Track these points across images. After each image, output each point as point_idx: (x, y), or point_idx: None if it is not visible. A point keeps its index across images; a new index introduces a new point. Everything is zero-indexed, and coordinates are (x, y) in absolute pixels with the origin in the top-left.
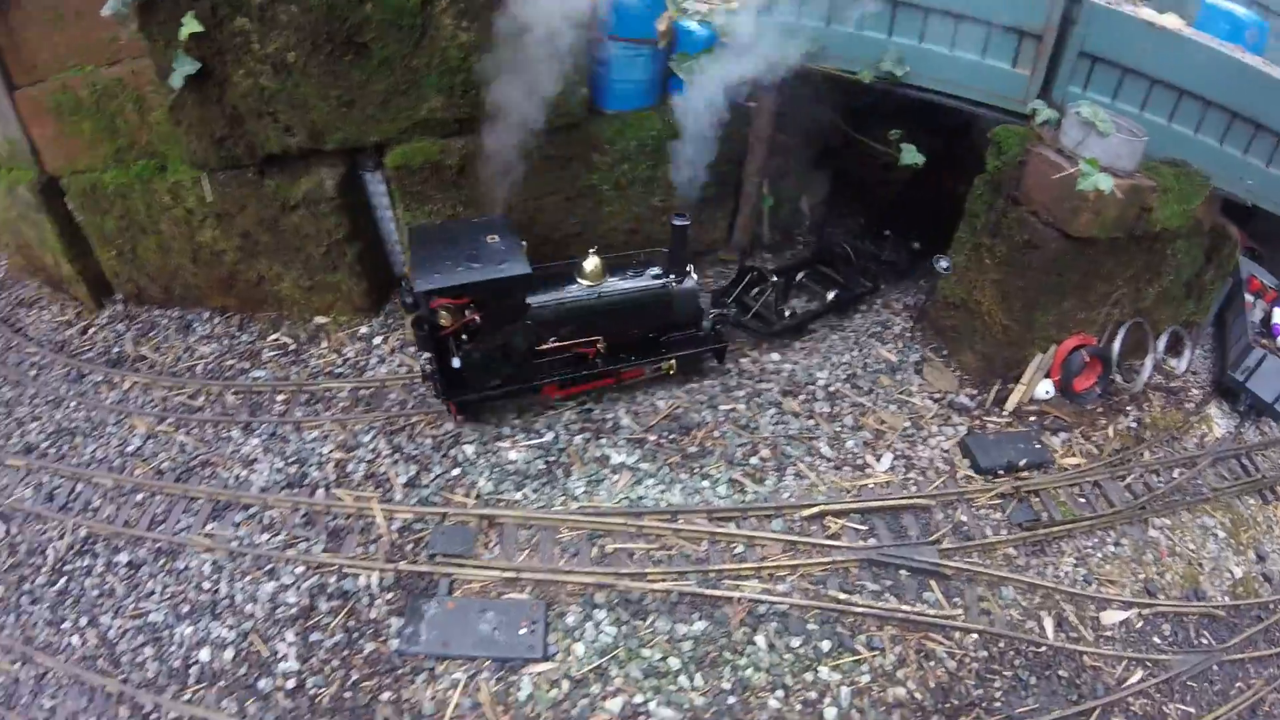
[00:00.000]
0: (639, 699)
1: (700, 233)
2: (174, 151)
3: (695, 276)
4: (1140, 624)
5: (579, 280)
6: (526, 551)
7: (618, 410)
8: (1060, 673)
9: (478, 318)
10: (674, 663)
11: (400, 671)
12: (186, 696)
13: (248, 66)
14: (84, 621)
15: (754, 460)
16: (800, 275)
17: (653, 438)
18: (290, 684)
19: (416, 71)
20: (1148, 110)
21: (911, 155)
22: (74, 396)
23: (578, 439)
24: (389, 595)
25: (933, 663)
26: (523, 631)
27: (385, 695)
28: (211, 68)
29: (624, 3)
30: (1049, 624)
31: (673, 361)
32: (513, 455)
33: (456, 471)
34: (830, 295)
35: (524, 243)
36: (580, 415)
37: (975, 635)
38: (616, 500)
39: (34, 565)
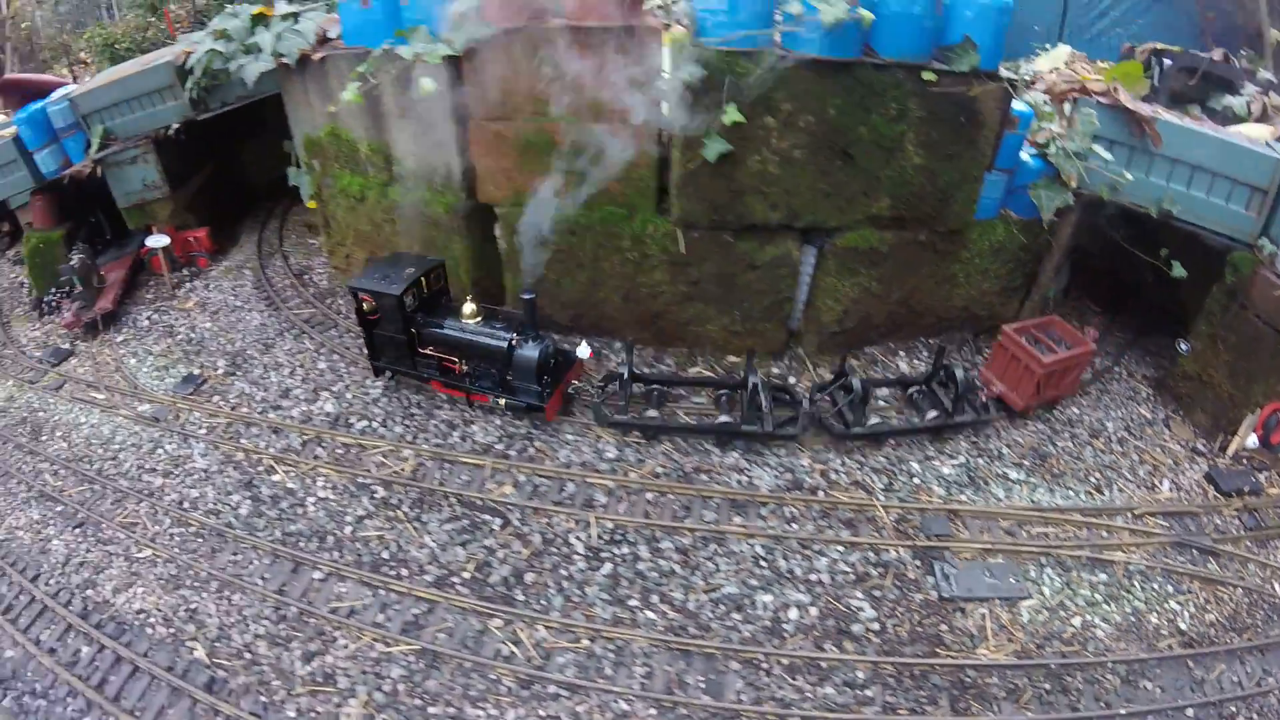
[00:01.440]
0: (1088, 618)
1: (1001, 310)
2: (643, 203)
3: (552, 345)
4: None
5: (457, 317)
6: (985, 532)
7: (998, 444)
8: None
9: (379, 312)
10: (1098, 596)
11: (944, 610)
12: (789, 646)
13: (760, 155)
14: (654, 599)
15: (1091, 479)
16: (912, 390)
17: (1026, 463)
18: (875, 626)
19: (880, 180)
20: None
21: (1179, 269)
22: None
23: (980, 461)
24: (916, 562)
25: (1221, 601)
26: (1011, 580)
27: (943, 626)
28: (733, 150)
29: (1006, 145)
30: (1278, 587)
31: (503, 400)
32: (945, 471)
33: (915, 481)
34: (930, 415)
35: (421, 277)
36: (970, 446)
37: (1240, 589)
38: (1026, 501)
39: (561, 554)
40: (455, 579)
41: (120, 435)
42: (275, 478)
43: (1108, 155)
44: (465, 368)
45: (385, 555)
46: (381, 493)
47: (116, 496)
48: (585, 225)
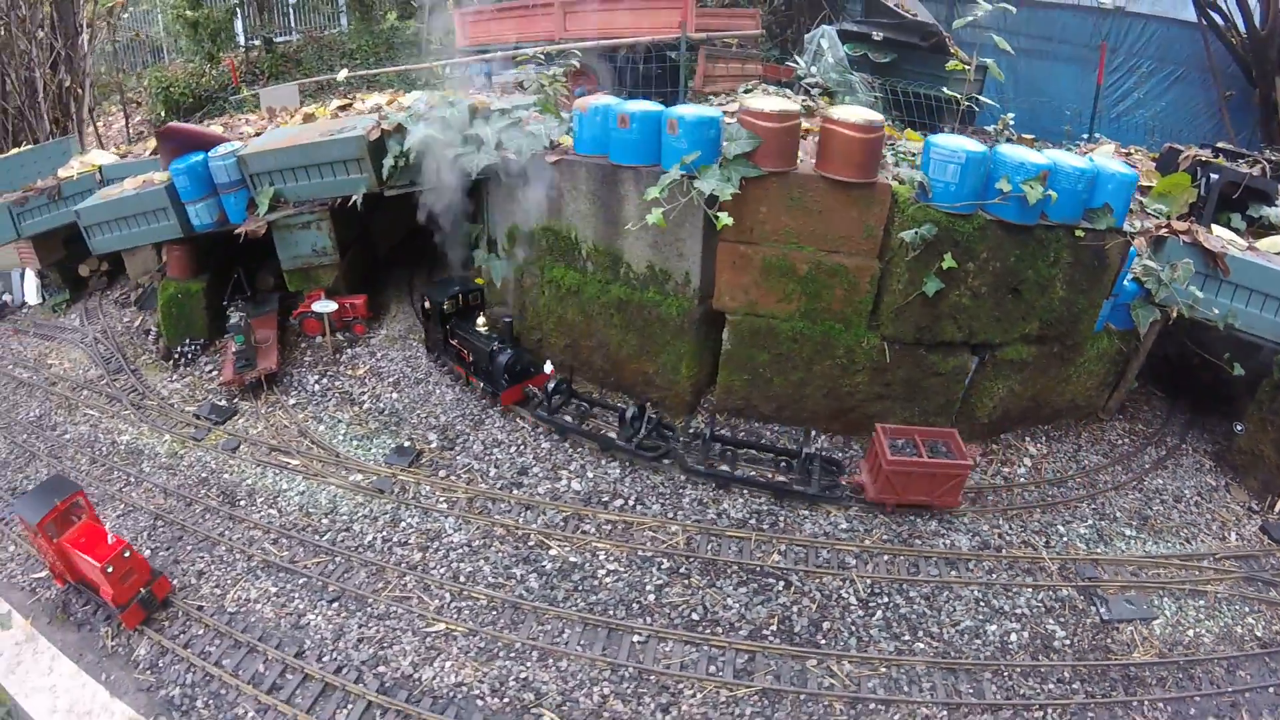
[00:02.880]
0: (1197, 630)
1: (1096, 400)
2: (858, 321)
3: (516, 354)
4: None
5: (473, 324)
6: (1119, 574)
7: (1113, 509)
8: None
9: (429, 312)
10: (1201, 616)
11: (1106, 629)
12: (1018, 659)
13: (959, 290)
14: (920, 633)
15: (1181, 534)
16: (781, 459)
17: (1134, 523)
18: (1067, 642)
19: (1035, 308)
20: None
21: (1239, 369)
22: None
23: (1103, 524)
24: (1080, 597)
25: None
26: (1144, 607)
27: (1108, 640)
28: (941, 287)
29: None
30: None
31: (480, 384)
32: (1081, 531)
33: (1064, 539)
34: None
35: (461, 294)
36: (1094, 513)
37: None
38: (1141, 552)
39: (841, 606)
40: (765, 631)
41: (344, 505)
42: (553, 552)
43: (1200, 294)
44: (470, 358)
45: (695, 617)
46: (666, 564)
47: (371, 569)
48: (808, 335)
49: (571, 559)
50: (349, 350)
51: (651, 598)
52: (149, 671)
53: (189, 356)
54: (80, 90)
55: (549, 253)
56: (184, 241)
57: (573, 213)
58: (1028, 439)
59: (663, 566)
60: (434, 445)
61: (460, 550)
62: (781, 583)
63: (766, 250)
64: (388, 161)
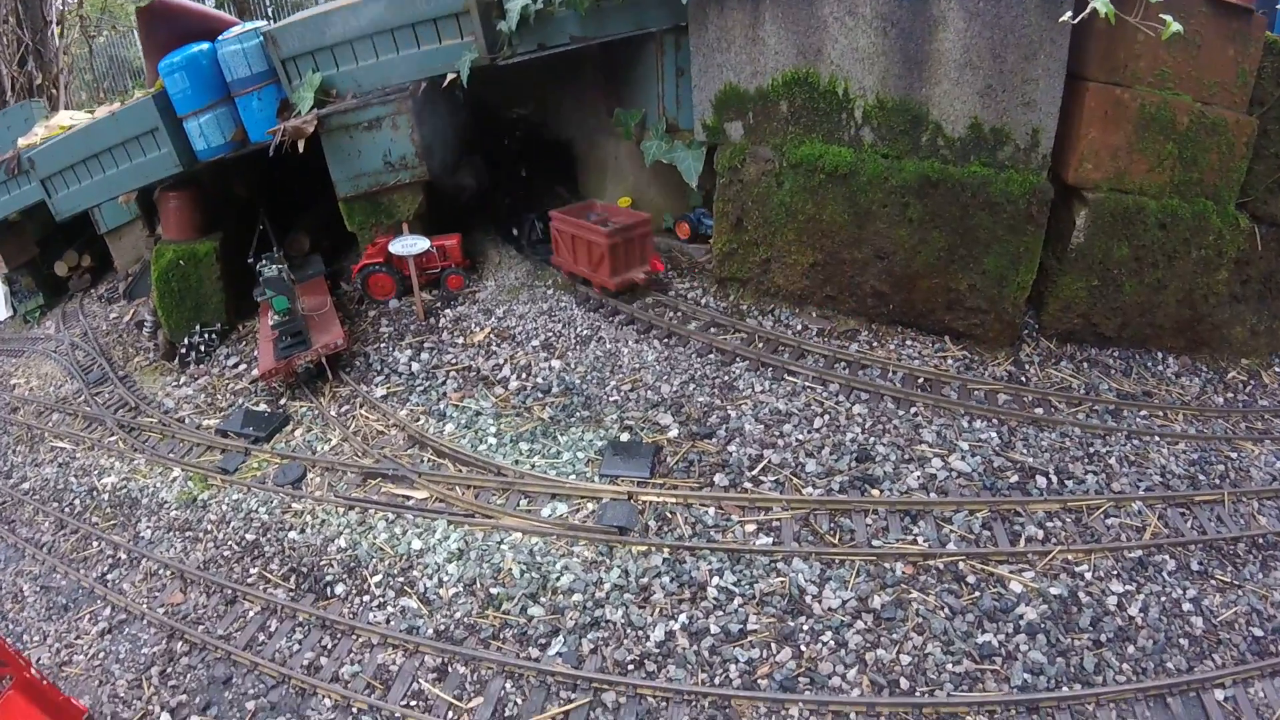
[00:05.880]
0: None
1: None
2: (1228, 195)
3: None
4: None
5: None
6: None
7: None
8: None
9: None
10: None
11: None
12: None
13: None
14: None
15: None
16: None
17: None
18: None
19: None
20: None
21: None
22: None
23: None
24: None
25: None
26: None
27: None
28: None
29: None
30: None
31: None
32: None
33: None
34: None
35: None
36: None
37: None
38: None
39: None
40: None
41: (558, 570)
42: (1015, 587)
43: None
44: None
45: (1258, 632)
46: (1171, 564)
47: (699, 710)
48: (1179, 218)
49: (1052, 591)
50: (446, 312)
51: (1199, 623)
52: None
53: (202, 350)
54: (55, 90)
55: (793, 122)
56: (184, 184)
57: (842, 52)
58: None
59: (1169, 570)
60: (673, 434)
61: (861, 622)
62: None
63: (1144, 96)
64: (514, 5)
